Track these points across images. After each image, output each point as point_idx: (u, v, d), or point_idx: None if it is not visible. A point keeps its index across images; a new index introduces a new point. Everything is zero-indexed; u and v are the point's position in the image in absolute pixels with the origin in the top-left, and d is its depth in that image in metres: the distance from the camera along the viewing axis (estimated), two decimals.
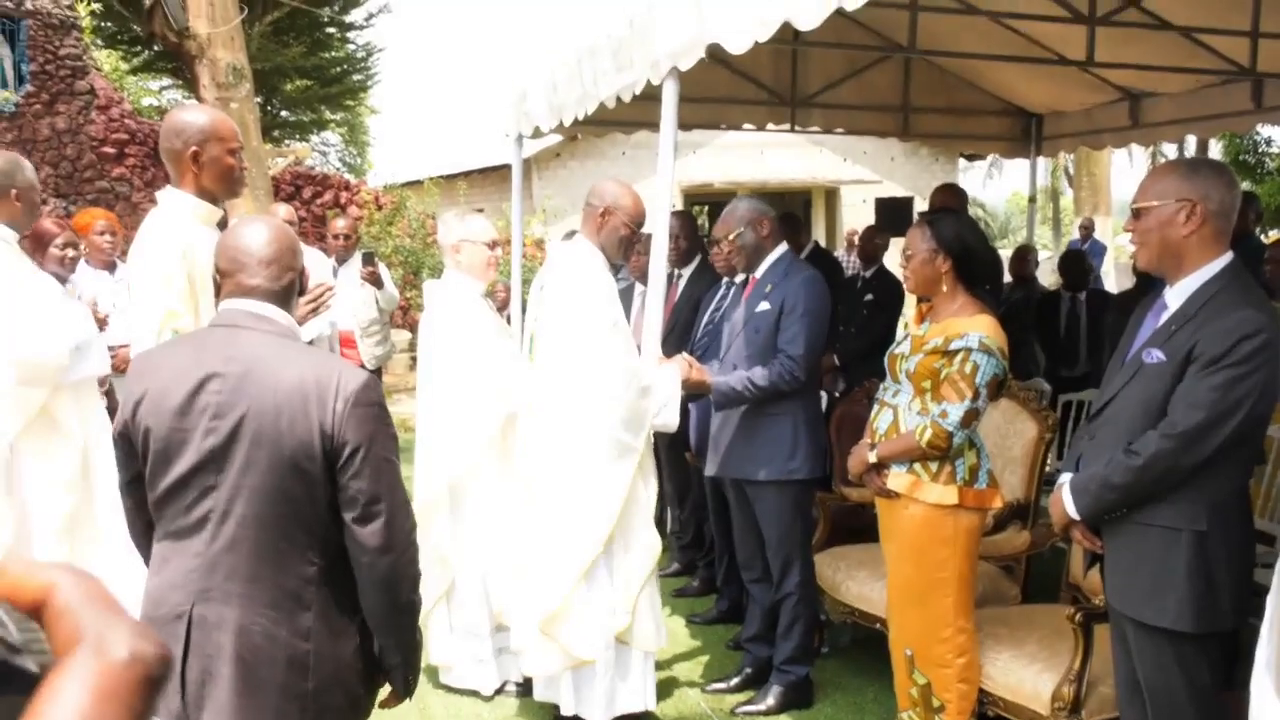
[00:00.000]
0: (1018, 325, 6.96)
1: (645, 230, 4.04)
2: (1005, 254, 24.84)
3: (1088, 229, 14.82)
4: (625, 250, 3.84)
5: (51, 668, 0.60)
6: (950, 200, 5.85)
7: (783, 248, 4.14)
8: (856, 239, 8.65)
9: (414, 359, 12.67)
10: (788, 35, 3.57)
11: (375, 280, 6.83)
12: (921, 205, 23.93)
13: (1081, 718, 3.09)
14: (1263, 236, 15.95)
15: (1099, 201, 16.73)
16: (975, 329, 3.23)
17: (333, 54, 16.83)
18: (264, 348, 2.08)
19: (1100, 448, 2.65)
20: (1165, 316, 2.59)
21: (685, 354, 3.98)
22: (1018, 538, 3.97)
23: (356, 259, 6.84)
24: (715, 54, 3.68)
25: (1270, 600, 1.84)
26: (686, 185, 21.58)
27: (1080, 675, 3.09)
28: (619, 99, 4.59)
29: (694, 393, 3.94)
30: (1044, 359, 7.21)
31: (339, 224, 6.95)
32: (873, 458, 3.38)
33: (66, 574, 0.64)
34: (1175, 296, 2.58)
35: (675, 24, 3.81)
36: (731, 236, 4.09)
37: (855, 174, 22.66)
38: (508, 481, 4.09)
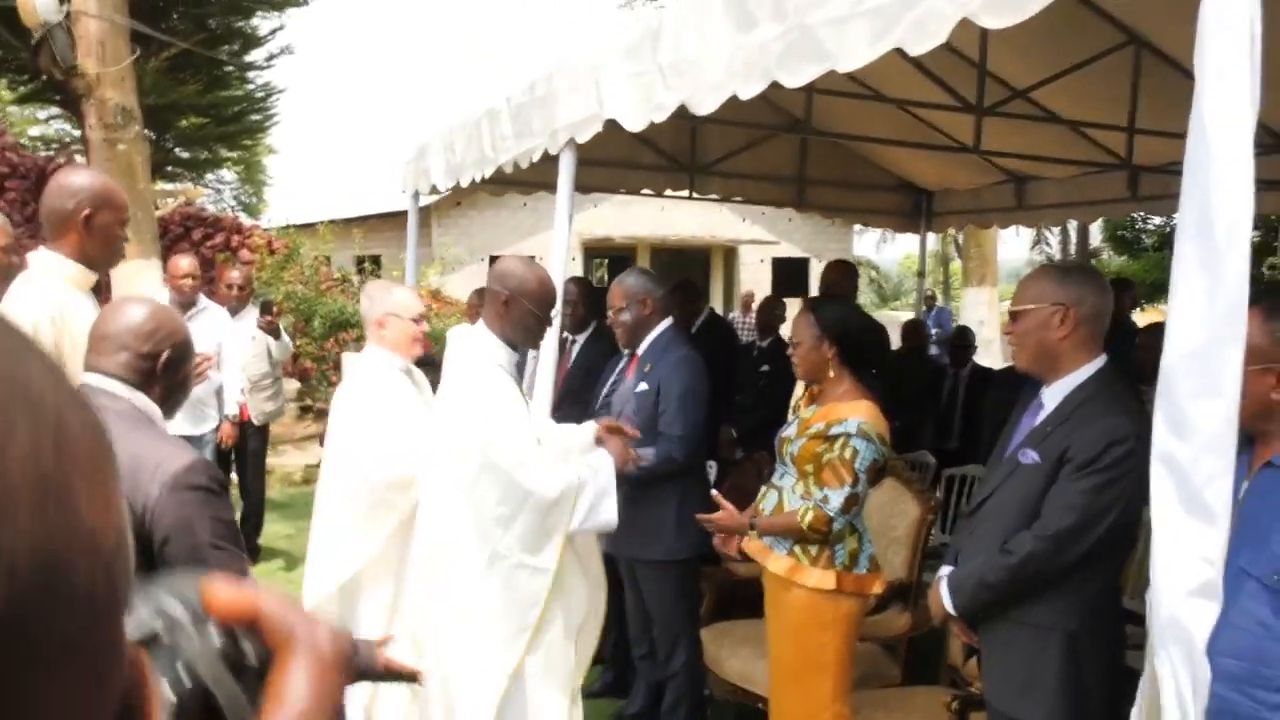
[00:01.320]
0: (912, 398, 7.11)
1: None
2: (899, 314, 25.39)
3: (931, 299, 15.39)
4: (534, 337, 3.46)
5: (271, 665, 0.74)
6: (842, 277, 5.96)
7: (665, 324, 4.17)
8: (754, 303, 8.79)
9: (303, 408, 12.39)
10: (685, 111, 3.60)
11: (274, 330, 6.68)
12: (817, 267, 24.41)
13: None
14: (1139, 312, 16.67)
15: (986, 272, 17.26)
16: (855, 414, 3.28)
17: (231, 93, 16.53)
18: None
19: (978, 543, 2.70)
20: (1041, 416, 2.66)
21: (607, 422, 3.62)
22: (899, 619, 4.00)
23: (250, 311, 6.67)
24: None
25: (1133, 716, 1.86)
26: (587, 238, 21.69)
27: None
28: (517, 165, 4.58)
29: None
30: (931, 432, 7.35)
31: (233, 274, 6.78)
32: (753, 535, 3.40)
33: (259, 590, 0.78)
34: (1051, 397, 2.65)
35: (574, 97, 3.82)
36: (612, 313, 4.11)
37: (753, 234, 23.07)
38: (407, 583, 3.60)
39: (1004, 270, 29.72)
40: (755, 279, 24.02)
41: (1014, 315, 2.69)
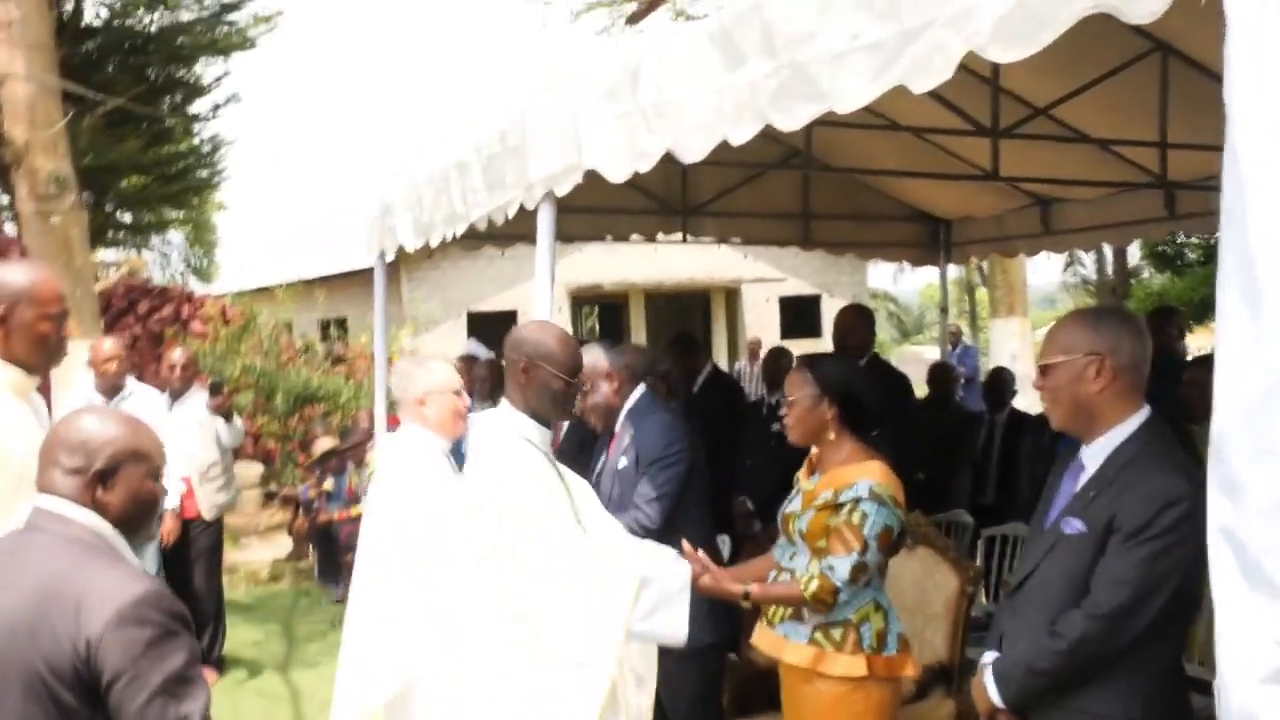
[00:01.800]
0: (946, 451, 7.08)
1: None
2: (922, 350, 25.25)
3: (955, 335, 15.43)
4: (563, 407, 3.34)
5: None
6: (857, 323, 5.96)
7: (638, 392, 4.21)
8: (761, 350, 8.80)
9: (267, 495, 12.35)
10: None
11: (225, 413, 6.69)
12: (829, 303, 24.53)
13: None
14: (1188, 334, 16.69)
15: (1015, 301, 17.28)
16: (865, 476, 3.26)
17: (175, 148, 16.64)
18: (41, 556, 1.99)
19: (1023, 624, 2.68)
20: (1083, 480, 2.64)
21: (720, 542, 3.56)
22: (943, 706, 3.96)
23: (195, 394, 6.68)
24: None
25: None
26: (574, 287, 21.77)
27: None
28: (491, 221, 4.60)
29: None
30: (969, 487, 7.32)
31: (175, 355, 6.79)
32: (748, 598, 3.35)
33: None
34: (1092, 457, 2.64)
35: (550, 146, 3.84)
36: (579, 399, 4.11)
37: (757, 271, 23.11)
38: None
39: (1035, 296, 29.79)
40: (762, 321, 24.07)
41: (1044, 369, 2.68)
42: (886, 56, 2.29)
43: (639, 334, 23.59)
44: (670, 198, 7.08)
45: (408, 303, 19.83)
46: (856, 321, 6.02)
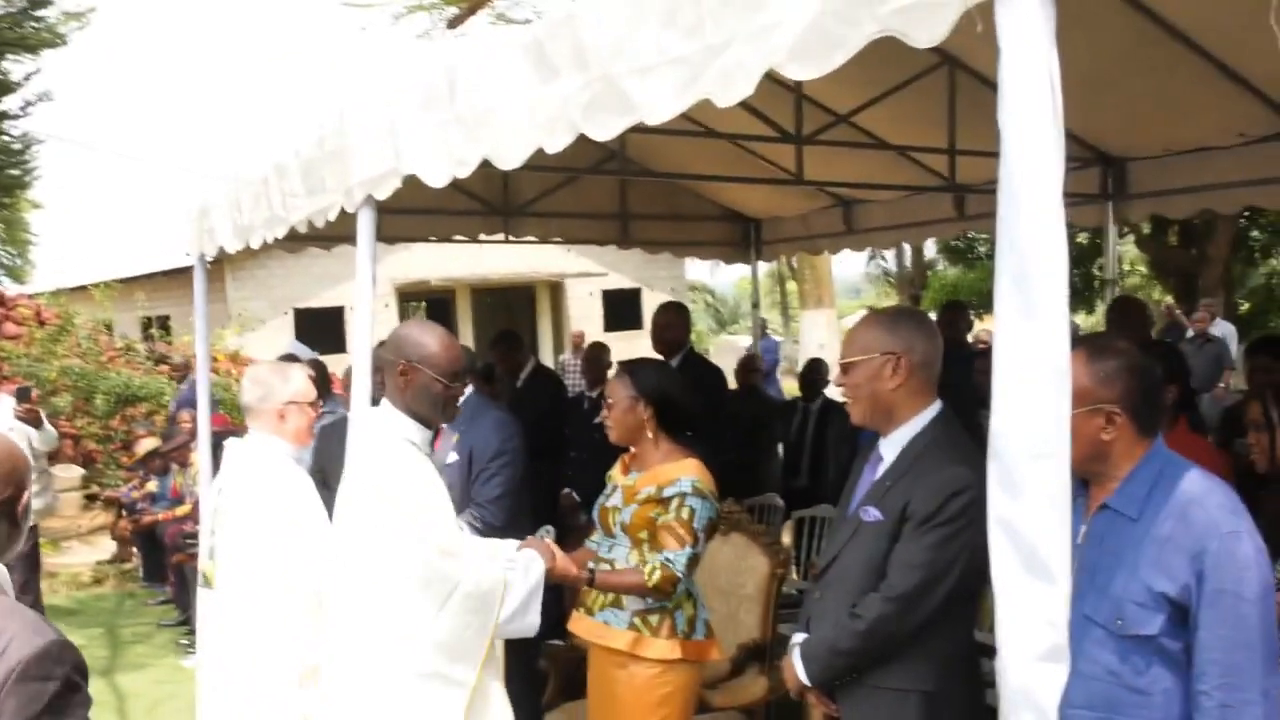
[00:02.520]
0: (756, 438, 7.23)
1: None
2: (736, 339, 25.71)
3: (761, 328, 15.88)
4: (444, 410, 3.20)
5: None
6: (674, 320, 6.06)
7: (466, 391, 4.18)
8: (584, 343, 8.81)
9: (88, 497, 11.77)
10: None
11: (34, 420, 6.33)
12: (649, 296, 24.72)
13: None
14: (977, 321, 17.44)
15: (823, 293, 17.84)
16: (686, 474, 3.38)
17: None
18: None
19: (827, 607, 2.77)
20: (881, 470, 2.74)
21: (545, 532, 3.43)
22: (757, 683, 4.05)
23: (2, 401, 6.32)
24: None
25: None
26: (401, 283, 21.41)
27: None
28: (311, 224, 4.48)
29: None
30: (780, 471, 7.49)
31: None
32: (592, 583, 3.39)
33: None
34: (889, 448, 2.74)
35: (369, 151, 3.76)
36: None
37: (580, 266, 23.15)
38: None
39: (841, 286, 30.67)
40: (585, 314, 24.14)
41: (845, 368, 2.76)
42: (692, 71, 2.31)
43: (465, 328, 23.33)
44: (492, 199, 7.02)
45: (232, 301, 19.19)
46: (674, 319, 6.11)
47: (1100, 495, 2.25)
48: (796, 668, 2.78)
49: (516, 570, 3.08)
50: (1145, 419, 2.23)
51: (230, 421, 7.95)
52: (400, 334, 3.25)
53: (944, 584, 2.55)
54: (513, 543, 3.35)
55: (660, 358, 5.75)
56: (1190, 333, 12.09)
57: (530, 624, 3.07)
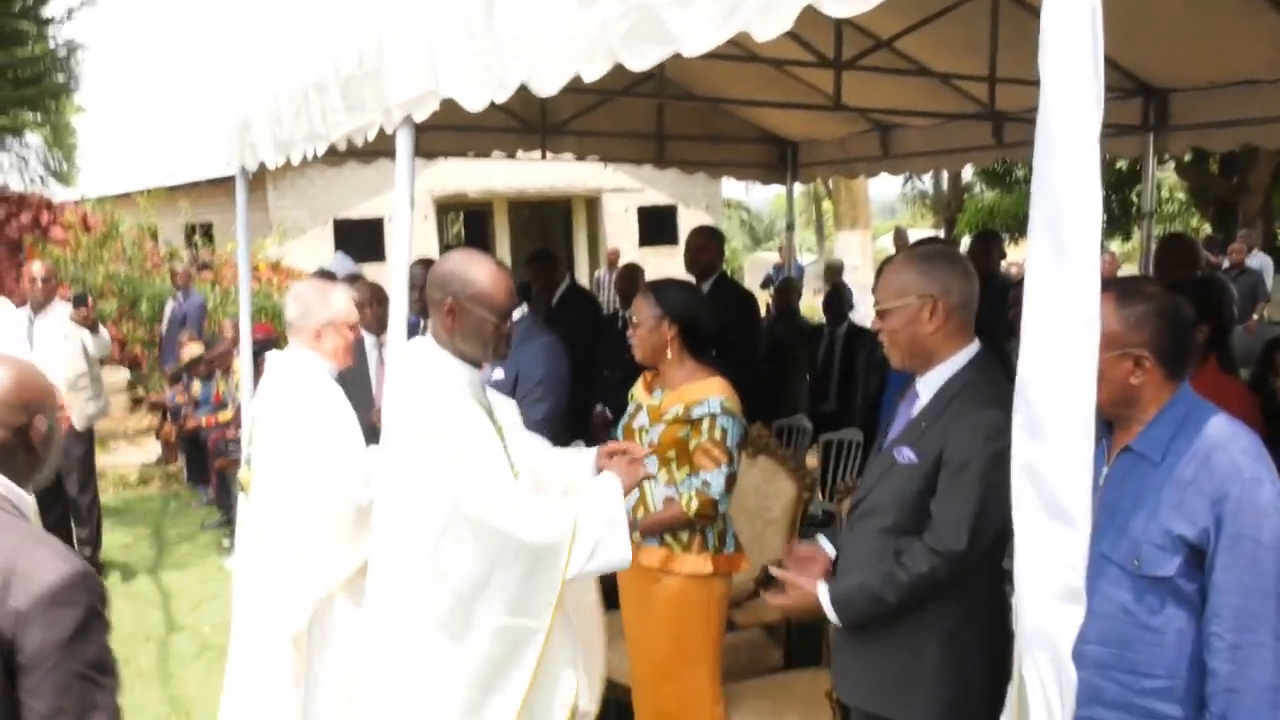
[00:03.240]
0: (786, 361, 7.23)
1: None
2: (771, 255, 25.46)
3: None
4: (495, 348, 2.86)
5: None
6: (708, 244, 6.02)
7: (519, 313, 4.19)
8: (619, 261, 8.80)
9: (134, 400, 11.95)
10: None
11: (91, 324, 6.43)
12: (685, 213, 24.58)
13: None
14: (1013, 246, 17.24)
15: (858, 215, 17.65)
16: (713, 393, 3.41)
17: (28, 52, 15.64)
18: None
19: (859, 548, 2.74)
20: (917, 408, 2.70)
21: (611, 445, 3.08)
22: None
23: (58, 306, 6.39)
24: None
25: (1009, 691, 1.95)
26: (439, 195, 21.34)
27: None
28: (351, 141, 4.47)
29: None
30: (809, 394, 7.50)
31: (35, 268, 6.47)
32: (636, 537, 3.28)
33: None
34: (926, 388, 2.70)
35: (407, 72, 3.73)
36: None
37: (616, 182, 22.96)
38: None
39: (876, 206, 30.28)
40: (621, 229, 24.02)
41: (881, 314, 2.71)
42: (732, 2, 2.28)
43: (503, 242, 23.32)
44: (529, 117, 6.96)
45: (274, 210, 19.21)
46: (708, 242, 6.07)
47: (1124, 438, 2.25)
48: (827, 611, 2.71)
49: (584, 513, 2.73)
50: (1173, 363, 2.21)
51: (272, 331, 8.03)
52: (446, 268, 2.89)
53: (987, 535, 2.51)
54: (589, 456, 3.07)
55: (691, 279, 5.75)
56: (1225, 264, 11.89)
57: (615, 560, 2.77)
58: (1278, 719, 2.01)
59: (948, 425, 2.58)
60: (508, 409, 3.14)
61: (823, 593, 2.74)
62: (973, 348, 2.68)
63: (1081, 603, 1.79)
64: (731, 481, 3.40)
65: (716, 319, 3.61)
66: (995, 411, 2.50)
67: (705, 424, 3.37)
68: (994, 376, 2.65)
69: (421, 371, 2.81)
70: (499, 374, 4.13)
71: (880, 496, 2.72)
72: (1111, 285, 2.21)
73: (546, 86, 2.98)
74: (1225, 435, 2.13)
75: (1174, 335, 2.21)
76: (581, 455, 3.13)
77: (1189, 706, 2.10)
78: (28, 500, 2.02)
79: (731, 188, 35.70)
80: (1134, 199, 17.48)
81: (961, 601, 2.61)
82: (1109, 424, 2.26)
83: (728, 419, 3.37)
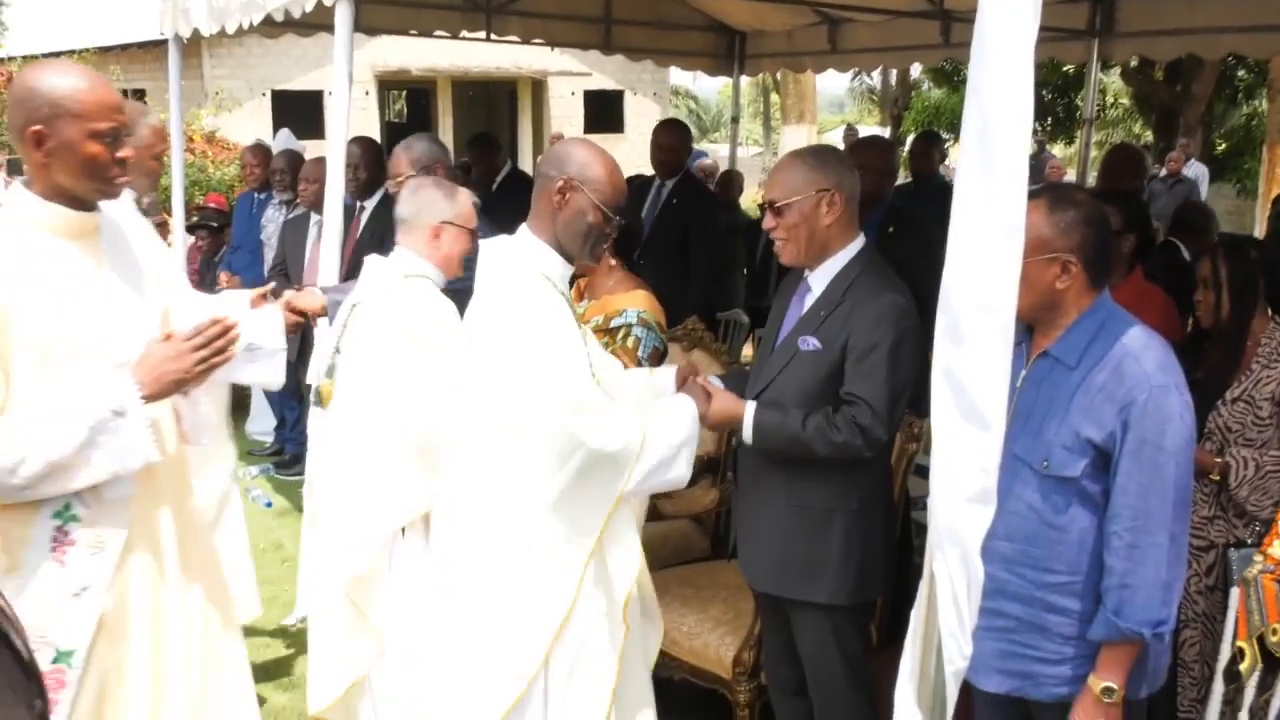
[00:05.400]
0: (724, 254, 7.24)
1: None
2: (717, 148, 25.22)
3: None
4: (593, 247, 2.72)
5: None
6: (676, 141, 5.93)
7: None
8: None
9: None
10: None
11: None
12: (631, 100, 24.28)
13: (760, 680, 3.34)
14: (953, 146, 17.27)
15: (805, 108, 17.54)
16: (633, 304, 3.49)
17: None
18: None
19: None
20: (810, 301, 2.79)
21: (698, 374, 2.99)
22: (708, 494, 4.17)
23: None
24: None
25: (913, 614, 2.04)
26: (381, 71, 20.84)
27: (760, 640, 3.33)
28: (288, 12, 4.36)
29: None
30: (744, 290, 7.52)
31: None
32: None
33: None
34: (818, 280, 2.78)
35: None
36: (394, 182, 3.90)
37: (563, 64, 22.50)
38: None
39: (824, 100, 30.07)
40: (566, 114, 23.68)
41: (778, 210, 2.73)
42: None
43: (445, 122, 22.84)
44: None
45: (209, 80, 18.67)
46: (680, 142, 6.00)
47: (1043, 342, 2.31)
48: (745, 428, 2.74)
49: (656, 425, 2.67)
50: (1098, 270, 2.27)
51: (225, 202, 7.88)
52: (564, 149, 2.74)
53: (898, 414, 2.66)
54: (669, 374, 3.01)
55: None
56: (1162, 172, 12.05)
57: (675, 478, 2.71)
58: (1166, 613, 2.12)
59: (850, 312, 2.68)
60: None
61: (749, 411, 2.75)
62: (860, 240, 2.78)
63: (992, 504, 1.87)
64: None
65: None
66: (895, 295, 2.63)
67: (620, 333, 3.45)
68: (883, 266, 2.77)
69: (514, 263, 2.70)
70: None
71: (784, 385, 2.78)
72: (1043, 192, 2.26)
73: None
74: (1139, 344, 2.19)
75: (1100, 243, 2.26)
76: (662, 371, 3.08)
77: (1087, 600, 2.21)
78: None
79: (679, 76, 35.20)
80: (1079, 104, 17.55)
81: (864, 483, 2.76)
82: (1030, 327, 2.33)
83: (642, 329, 3.45)
